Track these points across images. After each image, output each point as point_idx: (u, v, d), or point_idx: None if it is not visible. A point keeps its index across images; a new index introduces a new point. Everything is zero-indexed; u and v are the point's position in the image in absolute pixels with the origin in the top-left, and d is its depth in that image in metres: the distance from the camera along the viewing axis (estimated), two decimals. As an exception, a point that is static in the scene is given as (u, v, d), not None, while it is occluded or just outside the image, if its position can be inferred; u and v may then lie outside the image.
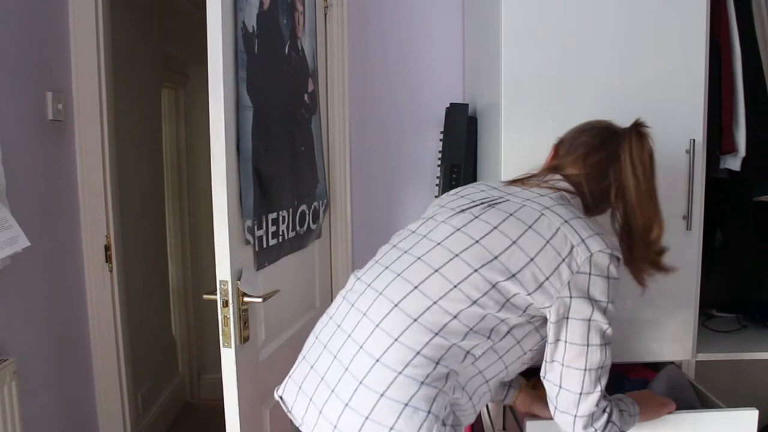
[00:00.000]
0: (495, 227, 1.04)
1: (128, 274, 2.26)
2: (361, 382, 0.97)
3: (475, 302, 0.99)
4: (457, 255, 1.03)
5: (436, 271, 1.02)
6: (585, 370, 1.03)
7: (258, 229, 1.43)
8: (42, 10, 1.83)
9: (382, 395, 0.95)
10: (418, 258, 1.05)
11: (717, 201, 1.69)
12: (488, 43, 1.69)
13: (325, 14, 2.06)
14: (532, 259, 1.00)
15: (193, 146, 3.38)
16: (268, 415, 1.51)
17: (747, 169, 1.64)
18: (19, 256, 1.60)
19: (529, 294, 1.00)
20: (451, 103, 1.93)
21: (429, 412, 0.95)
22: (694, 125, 1.54)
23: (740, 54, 1.61)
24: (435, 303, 0.99)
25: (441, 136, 2.00)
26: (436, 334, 0.98)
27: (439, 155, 2.00)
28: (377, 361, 0.97)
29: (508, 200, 1.10)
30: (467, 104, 1.91)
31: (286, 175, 1.61)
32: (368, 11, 2.11)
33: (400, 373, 0.96)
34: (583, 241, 1.02)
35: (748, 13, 1.64)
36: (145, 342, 2.63)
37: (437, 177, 2.04)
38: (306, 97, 1.80)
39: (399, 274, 1.05)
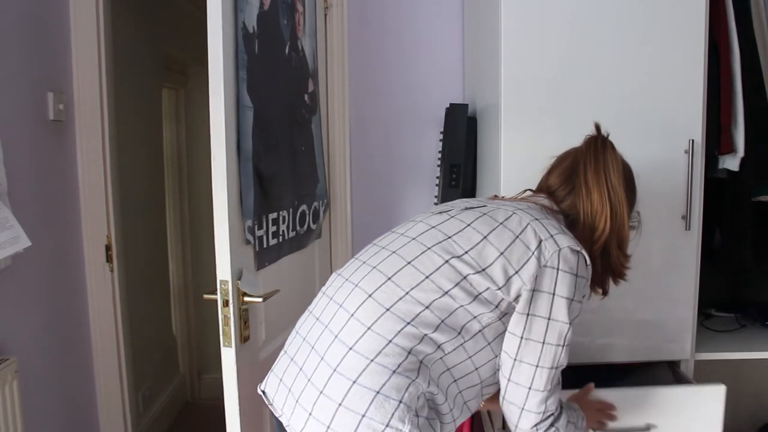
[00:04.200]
0: (468, 224, 1.09)
1: (129, 273, 2.27)
2: (335, 370, 0.99)
3: (446, 293, 1.01)
4: (429, 248, 1.06)
5: (409, 263, 1.05)
6: (537, 366, 1.03)
7: (258, 229, 1.44)
8: (43, 11, 1.84)
9: (354, 382, 0.96)
10: (393, 252, 1.09)
11: (716, 201, 1.69)
12: (488, 43, 1.69)
13: (325, 15, 2.06)
14: (501, 253, 1.03)
15: (193, 146, 3.39)
16: (268, 415, 1.51)
17: (746, 170, 1.65)
18: (20, 255, 1.60)
19: (499, 288, 1.01)
20: (451, 103, 1.93)
21: (400, 401, 0.95)
22: (693, 125, 1.55)
23: (739, 54, 1.61)
24: (407, 293, 1.02)
25: (441, 136, 2.00)
26: (408, 323, 1.00)
27: (439, 155, 2.01)
28: (350, 349, 0.99)
29: (485, 205, 1.15)
30: (467, 104, 1.91)
31: (287, 175, 1.62)
32: (368, 11, 2.12)
33: (372, 360, 0.97)
34: (551, 236, 1.05)
35: (747, 13, 1.64)
36: (145, 341, 2.64)
37: (437, 177, 2.05)
38: (306, 97, 1.80)
39: (374, 267, 1.08)
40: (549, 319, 1.03)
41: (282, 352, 1.16)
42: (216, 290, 1.32)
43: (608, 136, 1.22)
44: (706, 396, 1.49)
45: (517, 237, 1.05)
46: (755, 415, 2.15)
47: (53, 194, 1.89)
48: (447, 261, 1.04)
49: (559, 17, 1.53)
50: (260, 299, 1.36)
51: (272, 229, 1.53)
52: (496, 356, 1.07)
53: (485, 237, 1.05)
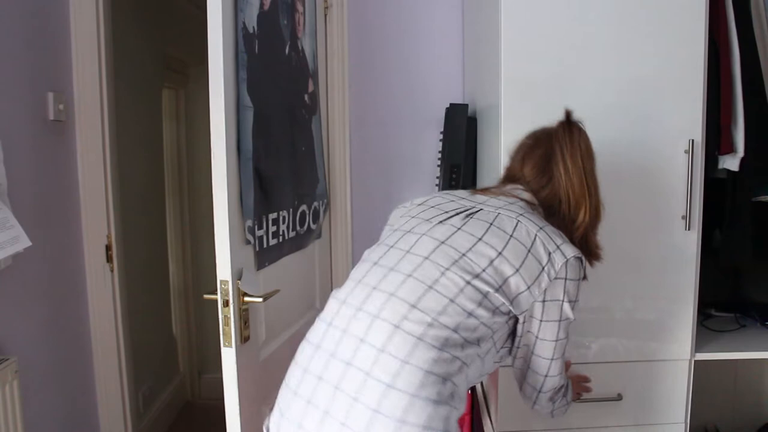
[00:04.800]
0: (479, 239, 1.06)
1: (129, 273, 2.27)
2: (376, 411, 0.93)
3: (470, 314, 1.01)
4: (447, 269, 1.03)
5: (430, 287, 1.02)
6: (552, 359, 1.15)
7: (258, 229, 1.44)
8: (43, 11, 1.84)
9: (403, 422, 0.92)
10: (409, 275, 1.04)
11: (715, 201, 1.69)
12: (488, 43, 1.69)
13: (325, 15, 2.06)
14: (517, 270, 1.05)
15: (193, 146, 3.39)
16: (268, 414, 1.52)
17: (746, 170, 1.65)
18: (20, 255, 1.60)
19: (511, 302, 1.05)
20: (450, 104, 1.94)
21: (447, 430, 0.95)
22: (693, 125, 1.55)
23: (739, 55, 1.61)
24: (435, 319, 0.99)
25: (441, 136, 2.00)
26: (440, 349, 0.97)
27: (439, 155, 2.01)
28: (390, 386, 0.94)
29: (482, 209, 1.13)
30: (467, 104, 1.91)
31: (287, 175, 1.62)
32: (368, 11, 2.12)
33: (415, 395, 0.93)
34: (558, 247, 1.08)
35: (747, 14, 1.64)
36: (145, 341, 2.64)
37: (437, 177, 2.05)
38: (306, 97, 1.80)
39: (392, 294, 1.02)
40: (560, 321, 1.12)
41: (288, 393, 1.05)
42: (216, 290, 1.32)
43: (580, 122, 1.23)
44: (671, 369, 1.64)
45: (529, 252, 1.06)
46: (755, 415, 2.15)
47: (53, 194, 1.89)
48: (468, 282, 1.02)
49: (559, 17, 1.53)
50: (260, 299, 1.36)
51: (272, 229, 1.53)
52: (498, 351, 1.13)
53: (500, 253, 1.05)
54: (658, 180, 1.57)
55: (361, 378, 0.96)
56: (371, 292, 1.04)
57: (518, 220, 1.09)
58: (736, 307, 1.93)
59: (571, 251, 1.08)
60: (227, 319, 1.31)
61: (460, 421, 1.23)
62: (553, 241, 1.08)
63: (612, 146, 1.56)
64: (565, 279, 1.08)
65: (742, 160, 1.63)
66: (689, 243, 1.59)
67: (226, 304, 1.31)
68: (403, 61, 2.14)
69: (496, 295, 1.03)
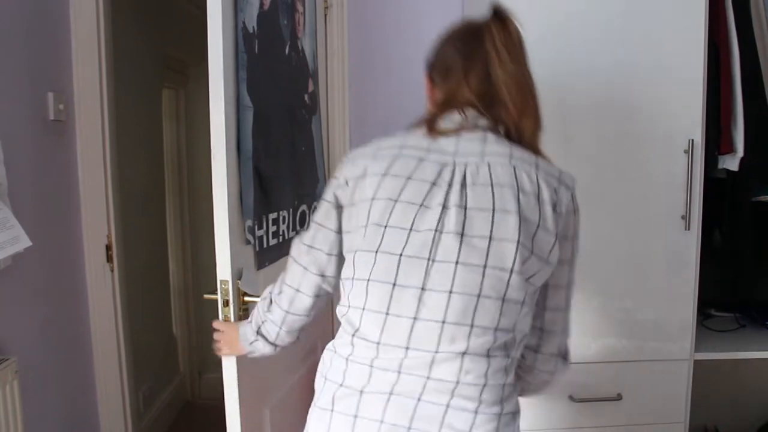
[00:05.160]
0: (493, 212, 0.91)
1: (129, 273, 2.27)
2: None
3: (523, 303, 0.94)
4: (485, 266, 0.90)
5: (479, 297, 0.89)
6: (569, 309, 1.05)
7: (258, 229, 1.44)
8: (43, 11, 1.84)
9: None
10: (450, 292, 0.89)
11: (716, 201, 1.69)
12: (488, 43, 1.69)
13: (325, 15, 2.06)
14: (538, 226, 0.92)
15: (193, 146, 3.39)
16: (268, 414, 1.52)
17: (745, 170, 1.65)
18: (20, 255, 1.60)
19: (547, 260, 0.95)
20: (450, 104, 1.94)
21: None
22: (693, 125, 1.55)
23: (739, 55, 1.61)
24: (496, 329, 0.91)
25: (441, 136, 2.00)
26: (509, 356, 0.94)
27: (439, 155, 2.01)
28: (476, 413, 0.90)
29: (466, 164, 0.94)
30: (467, 104, 1.91)
31: (286, 175, 1.62)
32: (368, 11, 2.12)
33: (501, 413, 0.92)
34: (559, 180, 0.97)
35: (746, 14, 1.64)
36: (145, 341, 2.64)
37: (437, 177, 2.05)
38: (306, 97, 1.80)
39: (443, 322, 0.89)
40: (574, 260, 1.02)
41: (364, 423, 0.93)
42: (216, 290, 1.32)
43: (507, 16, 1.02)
44: (671, 369, 1.62)
45: (539, 200, 0.93)
46: (755, 415, 2.15)
47: (53, 194, 1.89)
48: (513, 271, 0.90)
49: (558, 17, 1.53)
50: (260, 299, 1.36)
51: (272, 229, 1.53)
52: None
53: (520, 216, 0.91)
54: (658, 180, 1.57)
55: (441, 411, 0.90)
56: (413, 324, 0.90)
57: (513, 166, 0.93)
58: (736, 307, 1.93)
59: (569, 179, 0.98)
60: (227, 319, 1.31)
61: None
62: (552, 175, 0.96)
63: (612, 146, 1.57)
64: (574, 211, 0.98)
65: (742, 160, 1.63)
66: (689, 243, 1.59)
67: (226, 304, 1.31)
68: (403, 61, 2.14)
69: (533, 265, 0.92)
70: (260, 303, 1.17)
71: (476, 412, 0.89)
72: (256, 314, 1.18)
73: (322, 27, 2.04)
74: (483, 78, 0.99)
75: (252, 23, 1.40)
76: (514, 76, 0.98)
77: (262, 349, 1.18)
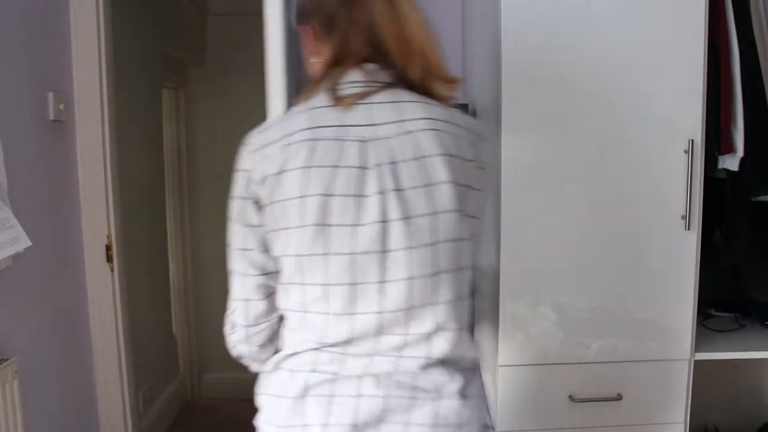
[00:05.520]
0: (427, 185, 0.87)
1: (129, 273, 2.27)
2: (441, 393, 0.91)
3: (472, 266, 0.94)
4: (436, 242, 0.87)
5: (438, 274, 0.88)
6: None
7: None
8: (43, 11, 1.84)
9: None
10: (409, 278, 0.87)
11: (716, 201, 1.69)
12: (488, 42, 1.69)
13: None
14: (470, 187, 0.91)
15: (193, 146, 3.39)
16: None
17: (745, 170, 1.65)
18: (20, 256, 1.61)
19: (479, 219, 0.95)
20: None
21: None
22: (693, 125, 1.55)
23: (739, 55, 1.61)
24: (458, 300, 0.91)
25: (441, 136, 2.00)
26: (462, 321, 0.93)
27: (439, 155, 2.00)
28: (451, 376, 0.92)
29: (389, 138, 0.87)
30: (467, 104, 1.91)
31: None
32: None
33: (468, 369, 0.95)
34: (476, 133, 0.95)
35: (746, 14, 1.64)
36: (146, 341, 2.64)
37: (437, 177, 2.05)
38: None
39: (409, 309, 0.88)
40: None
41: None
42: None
43: None
44: (671, 369, 1.61)
45: (463, 159, 0.90)
46: (755, 415, 2.15)
47: (53, 194, 1.89)
48: (463, 240, 0.89)
49: (559, 18, 1.53)
50: None
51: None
52: None
53: (454, 187, 0.88)
54: (658, 180, 1.57)
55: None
56: (381, 318, 0.88)
57: (434, 129, 0.89)
58: (736, 307, 1.93)
59: (481, 128, 0.96)
60: None
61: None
62: (470, 130, 0.94)
63: (612, 146, 1.56)
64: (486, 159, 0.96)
65: (742, 160, 1.63)
66: (689, 243, 1.59)
67: None
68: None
69: (475, 223, 0.92)
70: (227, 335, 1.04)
71: (450, 375, 0.91)
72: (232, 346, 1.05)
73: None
74: (369, 24, 0.90)
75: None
76: (395, 19, 0.90)
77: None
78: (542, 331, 1.61)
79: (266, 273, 0.94)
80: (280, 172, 0.87)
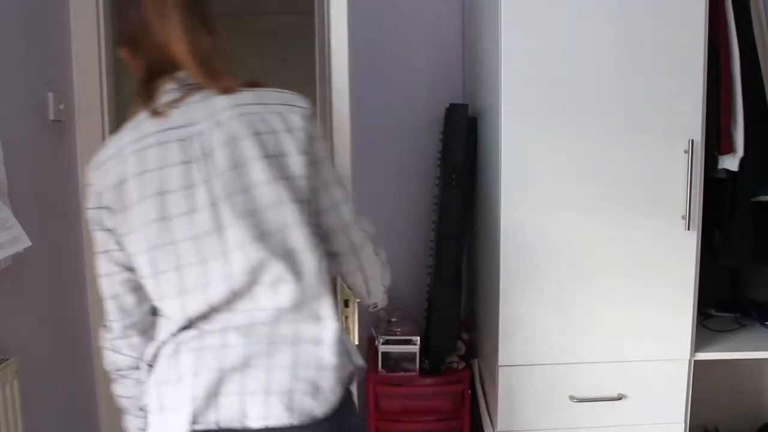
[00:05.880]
0: (241, 165, 0.98)
1: (129, 273, 2.27)
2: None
3: (302, 224, 1.01)
4: (257, 211, 0.98)
5: (267, 235, 0.98)
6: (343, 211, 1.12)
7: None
8: (43, 11, 1.84)
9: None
10: (244, 247, 0.97)
11: (716, 201, 1.69)
12: (488, 43, 1.69)
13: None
14: (283, 155, 1.00)
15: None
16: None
17: (745, 170, 1.65)
18: (20, 256, 1.60)
19: (303, 179, 1.01)
20: (451, 104, 1.94)
21: None
22: (693, 126, 1.55)
23: (738, 55, 1.61)
24: (292, 252, 1.00)
25: (441, 137, 2.00)
26: (301, 276, 1.01)
27: (439, 155, 2.01)
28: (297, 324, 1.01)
29: (202, 132, 0.99)
30: (467, 104, 1.91)
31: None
32: (368, 12, 2.12)
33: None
34: (284, 104, 1.03)
35: (746, 14, 1.64)
36: (145, 341, 2.63)
37: (437, 177, 2.05)
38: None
39: (251, 272, 0.98)
40: None
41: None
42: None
43: None
44: (671, 369, 1.62)
45: (274, 132, 1.00)
46: (755, 415, 2.15)
47: (54, 194, 1.89)
48: (282, 203, 0.99)
49: (558, 17, 1.53)
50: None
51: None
52: None
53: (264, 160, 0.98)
54: (658, 180, 1.57)
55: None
56: (231, 288, 0.98)
57: (241, 114, 0.99)
58: (736, 307, 1.93)
59: (295, 99, 1.04)
60: (347, 320, 1.31)
61: (460, 422, 1.22)
62: (277, 103, 1.02)
63: (612, 146, 1.57)
64: (308, 119, 1.03)
65: (742, 160, 1.63)
66: (689, 243, 1.59)
67: (346, 304, 1.30)
68: (403, 61, 2.14)
69: (296, 186, 1.00)
70: (106, 349, 1.14)
71: (305, 322, 1.00)
72: (107, 360, 1.14)
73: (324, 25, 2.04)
74: (162, 44, 1.01)
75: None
76: (177, 35, 1.00)
77: (138, 386, 1.12)
78: (542, 331, 1.61)
79: (129, 269, 1.05)
80: (120, 183, 1.01)
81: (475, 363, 1.96)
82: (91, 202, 1.06)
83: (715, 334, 1.78)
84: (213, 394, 0.96)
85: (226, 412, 0.95)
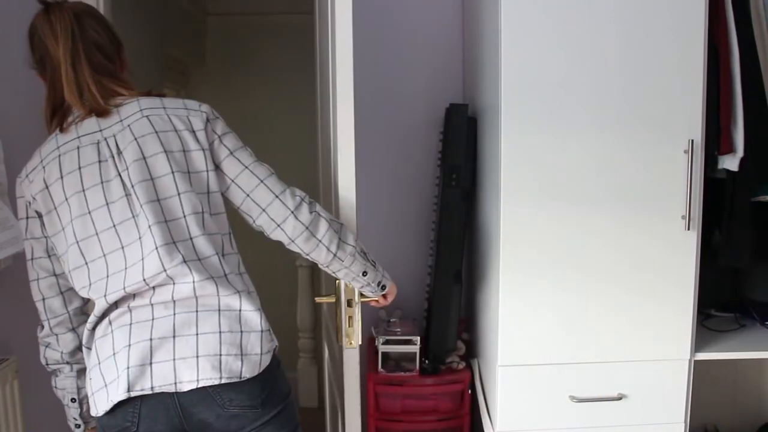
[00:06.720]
0: (145, 158, 1.12)
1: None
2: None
3: (202, 212, 1.15)
4: (159, 199, 1.12)
5: (173, 220, 1.11)
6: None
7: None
8: (43, 11, 1.84)
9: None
10: (151, 225, 1.09)
11: (716, 201, 1.69)
12: (488, 43, 1.69)
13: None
14: (183, 150, 1.15)
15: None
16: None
17: (745, 170, 1.65)
18: (21, 256, 1.60)
19: (204, 170, 1.16)
20: (450, 104, 1.94)
21: None
22: (693, 126, 1.55)
23: (738, 55, 1.61)
24: (195, 238, 1.12)
25: (441, 137, 2.00)
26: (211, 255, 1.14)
27: (439, 155, 2.01)
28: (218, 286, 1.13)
29: (114, 134, 1.14)
30: (467, 104, 1.91)
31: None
32: (368, 12, 2.12)
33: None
34: (185, 109, 1.19)
35: (746, 14, 1.64)
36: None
37: (437, 177, 2.05)
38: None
39: (158, 247, 1.09)
40: None
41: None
42: (329, 294, 1.36)
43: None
44: (671, 369, 1.62)
45: (176, 131, 1.16)
46: (755, 415, 2.15)
47: (53, 194, 1.89)
48: (179, 193, 1.12)
49: (558, 17, 1.53)
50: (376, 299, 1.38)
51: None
52: None
53: (167, 154, 1.13)
54: (658, 180, 1.57)
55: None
56: (147, 262, 1.09)
57: (146, 116, 1.15)
58: (736, 307, 1.93)
59: (194, 105, 1.20)
60: (351, 320, 1.32)
61: (460, 422, 1.22)
62: (179, 107, 1.18)
63: (612, 146, 1.57)
64: (209, 121, 1.19)
65: (742, 160, 1.63)
66: (689, 243, 1.59)
67: (350, 304, 1.32)
68: (403, 61, 2.14)
69: (196, 176, 1.15)
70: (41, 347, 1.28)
71: (223, 293, 1.11)
72: (41, 354, 1.28)
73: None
74: (58, 72, 1.18)
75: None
76: (64, 62, 1.16)
77: (67, 379, 1.30)
78: (542, 331, 1.61)
79: (55, 274, 1.22)
80: (44, 189, 1.15)
81: (475, 363, 1.96)
82: (20, 213, 1.21)
83: (715, 334, 1.78)
84: (147, 363, 1.07)
85: (159, 377, 1.06)
